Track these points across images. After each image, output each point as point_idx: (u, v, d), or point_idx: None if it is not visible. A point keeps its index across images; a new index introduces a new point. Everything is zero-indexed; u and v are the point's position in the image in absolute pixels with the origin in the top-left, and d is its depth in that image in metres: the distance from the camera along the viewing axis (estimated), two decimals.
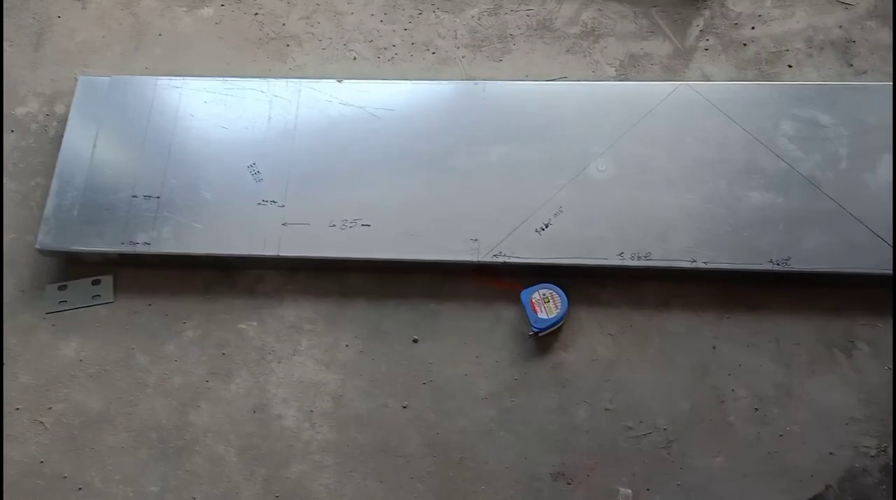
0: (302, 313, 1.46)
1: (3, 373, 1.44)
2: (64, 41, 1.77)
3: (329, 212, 1.47)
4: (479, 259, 1.41)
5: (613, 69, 1.67)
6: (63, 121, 1.63)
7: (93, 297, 1.49)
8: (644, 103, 1.52)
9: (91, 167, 1.53)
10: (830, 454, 1.31)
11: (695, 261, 1.38)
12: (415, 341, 1.43)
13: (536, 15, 1.74)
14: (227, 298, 1.48)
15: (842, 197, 1.40)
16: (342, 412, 1.39)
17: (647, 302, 1.43)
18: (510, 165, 1.49)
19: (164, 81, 1.62)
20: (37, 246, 1.46)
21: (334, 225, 1.46)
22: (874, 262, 1.36)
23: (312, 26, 1.76)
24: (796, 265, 1.37)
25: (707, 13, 1.71)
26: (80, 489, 1.35)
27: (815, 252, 1.37)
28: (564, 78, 1.65)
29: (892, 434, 1.31)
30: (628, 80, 1.65)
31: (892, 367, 1.36)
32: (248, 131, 1.56)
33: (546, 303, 1.39)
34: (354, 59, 1.72)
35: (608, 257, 1.40)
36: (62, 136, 1.57)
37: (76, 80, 1.64)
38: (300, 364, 1.43)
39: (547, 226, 1.43)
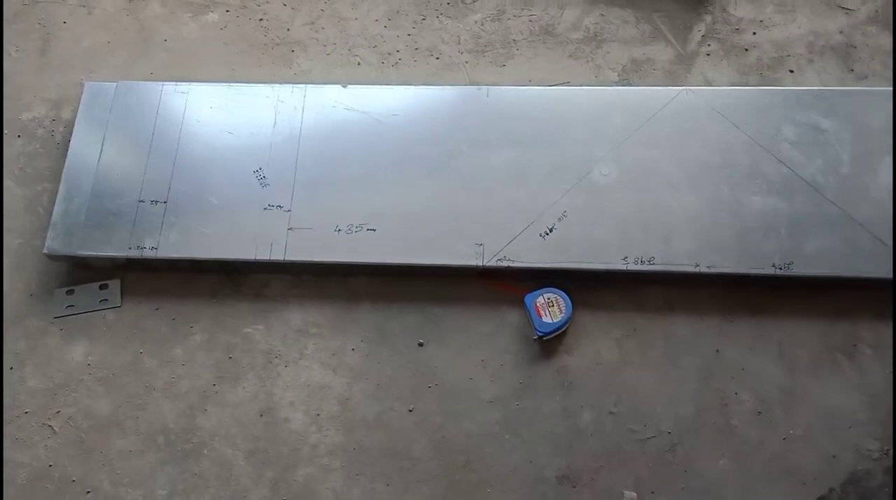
0: (308, 316, 1.48)
1: (2, 373, 1.45)
2: (70, 47, 1.79)
3: (334, 216, 1.48)
4: (484, 263, 1.43)
5: (616, 74, 1.68)
6: (69, 126, 1.64)
7: (100, 301, 1.50)
8: (646, 108, 1.53)
9: (98, 172, 1.54)
10: (834, 456, 1.32)
11: (698, 265, 1.39)
12: (420, 344, 1.44)
13: (539, 20, 1.75)
14: (233, 302, 1.49)
15: (844, 201, 1.42)
16: (349, 416, 1.40)
17: (650, 306, 1.44)
18: (514, 170, 1.50)
19: (169, 87, 1.63)
20: (45, 251, 1.47)
21: (340, 230, 1.47)
22: (876, 266, 1.37)
23: (317, 32, 1.77)
24: (799, 269, 1.38)
25: (709, 18, 1.72)
26: (88, 492, 1.36)
27: (817, 256, 1.38)
28: (567, 83, 1.67)
29: (892, 437, 1.32)
30: (631, 85, 1.66)
31: (892, 370, 1.37)
32: (254, 136, 1.57)
33: (550, 307, 1.40)
34: (359, 64, 1.73)
35: (612, 261, 1.41)
36: (68, 141, 1.58)
37: (82, 85, 1.65)
38: (307, 368, 1.44)
39: (551, 230, 1.44)
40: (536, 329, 1.39)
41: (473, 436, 1.37)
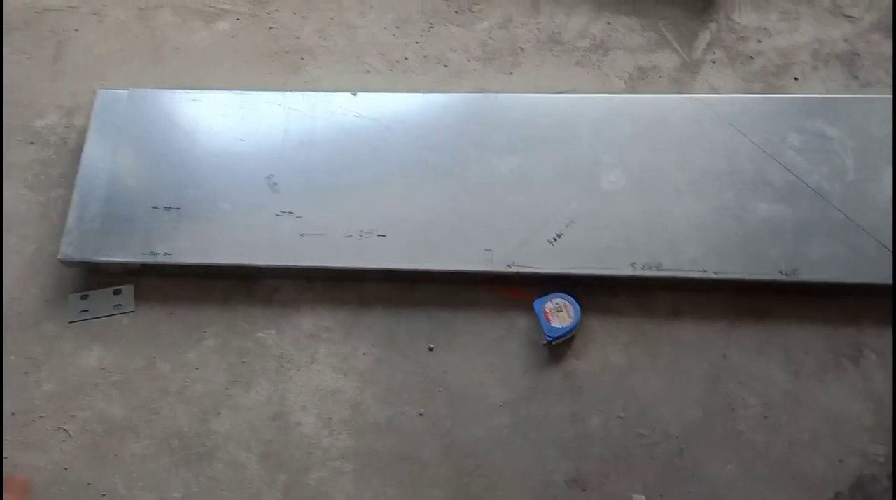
0: (320, 321, 1.49)
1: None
2: (82, 54, 1.81)
3: (345, 222, 1.49)
4: (493, 269, 1.44)
5: (622, 82, 1.70)
6: (82, 133, 1.66)
7: (114, 306, 1.52)
8: (653, 115, 1.55)
9: (111, 179, 1.56)
10: (840, 461, 1.34)
11: (705, 271, 1.41)
12: (430, 349, 1.46)
13: (546, 29, 1.77)
14: (246, 307, 1.51)
15: (849, 208, 1.43)
16: (360, 420, 1.41)
17: (658, 311, 1.46)
18: (522, 176, 1.52)
19: (181, 94, 1.65)
20: (59, 257, 1.49)
21: (350, 235, 1.49)
22: (881, 272, 1.39)
23: (326, 40, 1.79)
24: (804, 275, 1.39)
25: (714, 26, 1.74)
26: (103, 495, 1.38)
27: (822, 262, 1.40)
28: (574, 90, 1.68)
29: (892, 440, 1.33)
30: (637, 92, 1.68)
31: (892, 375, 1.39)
32: (266, 143, 1.59)
33: (559, 312, 1.41)
34: (368, 72, 1.75)
35: (620, 267, 1.43)
36: (81, 148, 1.60)
37: (94, 92, 1.67)
38: (318, 372, 1.45)
39: (559, 236, 1.46)
40: (545, 334, 1.40)
41: (483, 440, 1.39)
